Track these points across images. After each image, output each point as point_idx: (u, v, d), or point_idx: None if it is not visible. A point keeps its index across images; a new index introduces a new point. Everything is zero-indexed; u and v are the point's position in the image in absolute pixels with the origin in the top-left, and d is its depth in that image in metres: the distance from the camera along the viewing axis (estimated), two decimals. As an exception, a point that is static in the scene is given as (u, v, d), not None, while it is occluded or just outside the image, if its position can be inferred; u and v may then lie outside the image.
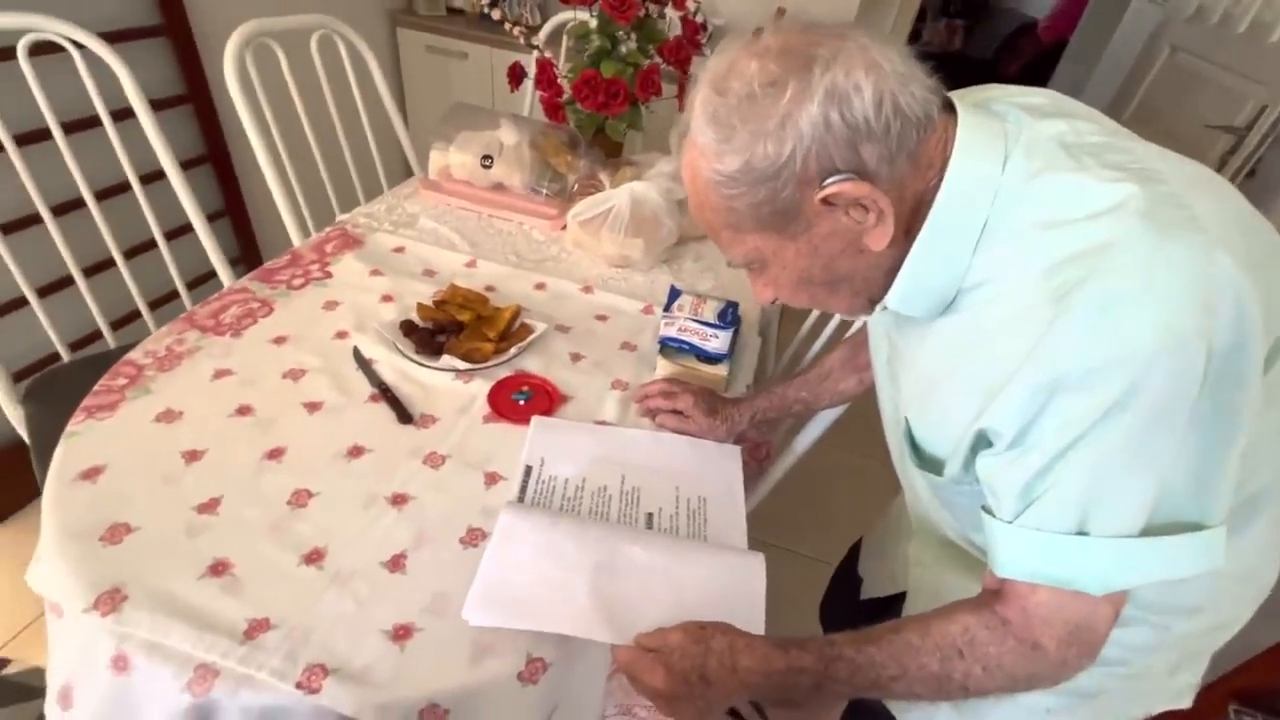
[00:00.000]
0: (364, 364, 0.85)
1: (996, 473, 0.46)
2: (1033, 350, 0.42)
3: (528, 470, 0.75)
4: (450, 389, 0.84)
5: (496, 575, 0.61)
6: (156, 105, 1.16)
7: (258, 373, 0.81)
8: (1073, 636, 0.46)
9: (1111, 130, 0.48)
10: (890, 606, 0.79)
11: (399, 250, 1.12)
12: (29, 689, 1.12)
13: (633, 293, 1.10)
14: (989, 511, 0.48)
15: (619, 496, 0.74)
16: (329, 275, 1.02)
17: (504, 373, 0.88)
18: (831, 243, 0.48)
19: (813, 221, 0.47)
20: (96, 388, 0.75)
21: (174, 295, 1.23)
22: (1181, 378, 0.39)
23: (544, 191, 1.26)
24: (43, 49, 0.97)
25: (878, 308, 0.54)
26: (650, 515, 0.73)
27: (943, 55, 4.38)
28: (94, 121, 1.06)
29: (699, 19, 1.32)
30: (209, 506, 0.65)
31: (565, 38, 1.55)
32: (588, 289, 1.09)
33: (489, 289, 1.03)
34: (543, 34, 1.57)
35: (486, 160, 1.25)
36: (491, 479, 0.74)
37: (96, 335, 1.16)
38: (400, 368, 0.86)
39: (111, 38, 1.04)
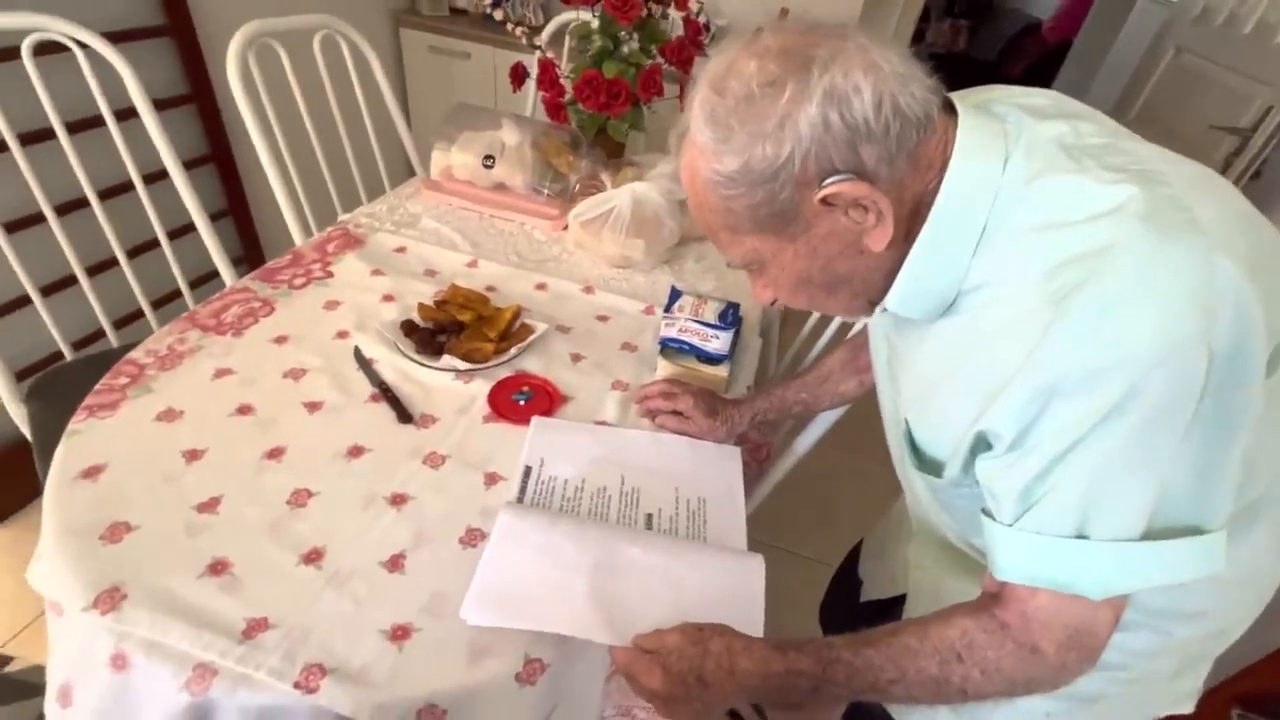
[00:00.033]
0: (364, 364, 0.85)
1: (996, 475, 0.46)
2: (1032, 352, 0.42)
3: (527, 470, 0.75)
4: (450, 389, 0.85)
5: (495, 575, 0.61)
6: (160, 105, 1.16)
7: (258, 372, 0.81)
8: (1072, 641, 0.46)
9: (1113, 131, 0.48)
10: (890, 609, 0.79)
11: (400, 250, 1.12)
12: (31, 686, 1.13)
13: (634, 293, 1.09)
14: (988, 514, 0.48)
15: (618, 497, 0.74)
16: (330, 275, 1.02)
17: (504, 373, 0.88)
18: (830, 244, 0.48)
19: (812, 223, 0.47)
20: (98, 387, 0.75)
21: (176, 294, 1.23)
22: (1182, 381, 0.39)
23: (545, 192, 1.26)
24: (47, 49, 0.98)
25: (877, 309, 0.53)
26: (650, 516, 0.73)
27: (947, 56, 4.37)
28: (98, 121, 1.06)
29: (701, 19, 1.32)
30: (209, 506, 0.65)
31: (568, 38, 1.55)
32: (589, 289, 1.09)
33: (490, 289, 1.03)
34: (545, 34, 1.57)
35: (488, 160, 1.25)
36: (491, 479, 0.74)
37: (99, 334, 1.16)
38: (401, 368, 0.86)
39: (115, 38, 1.05)
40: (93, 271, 1.11)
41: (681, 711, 0.52)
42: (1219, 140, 1.58)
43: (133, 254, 1.15)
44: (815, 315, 1.16)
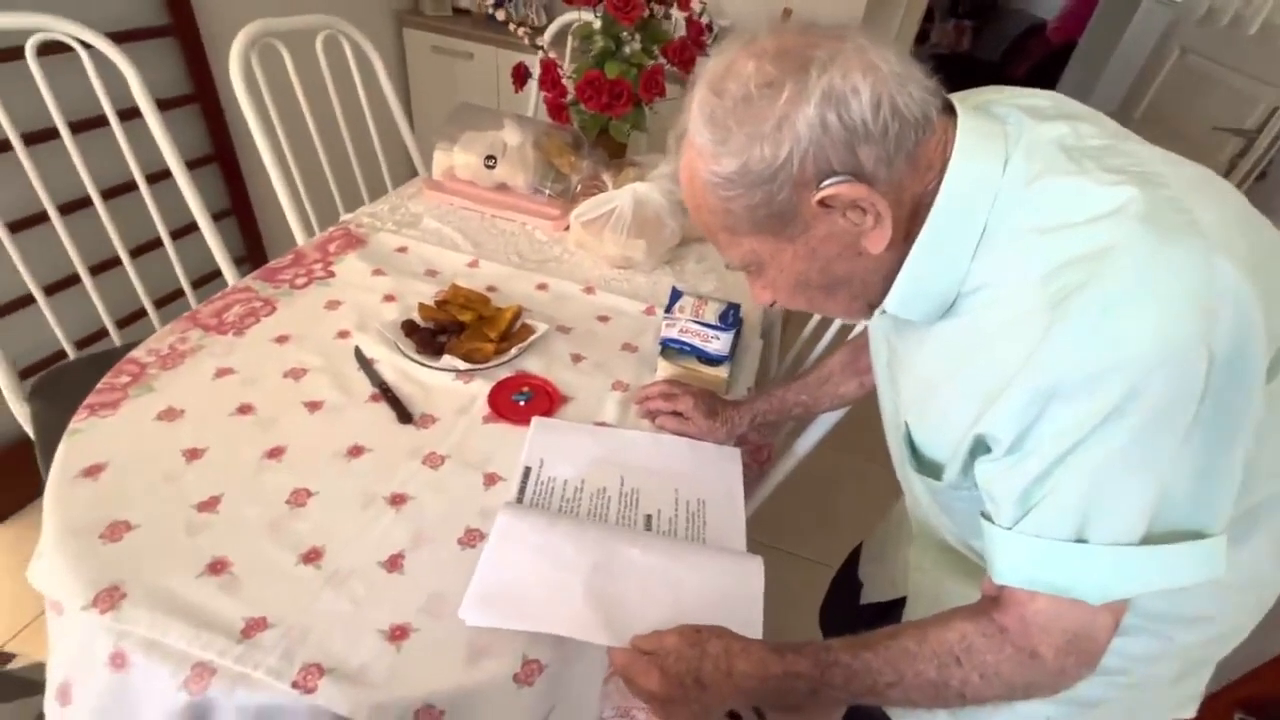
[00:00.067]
0: (365, 364, 0.86)
1: (995, 478, 0.46)
2: (1031, 354, 0.41)
3: (527, 471, 0.75)
4: (451, 389, 0.85)
5: (494, 576, 0.61)
6: (163, 105, 1.16)
7: (259, 372, 0.82)
8: (1071, 645, 0.45)
9: (1114, 133, 0.48)
10: (890, 611, 0.79)
11: (402, 250, 1.12)
12: (32, 684, 1.13)
13: (634, 294, 1.09)
14: (987, 517, 0.48)
15: (618, 498, 0.74)
16: (332, 275, 1.02)
17: (504, 373, 0.88)
18: (829, 245, 0.48)
19: (810, 224, 0.47)
20: (99, 385, 0.76)
21: (179, 294, 1.24)
22: (1182, 384, 0.39)
23: (547, 192, 1.26)
24: (51, 49, 0.98)
25: (876, 312, 0.53)
26: (649, 517, 0.73)
27: (951, 56, 4.36)
28: (101, 121, 1.06)
29: (704, 20, 1.31)
30: (209, 505, 0.65)
31: (570, 38, 1.55)
32: (589, 290, 1.09)
33: (491, 289, 1.03)
34: (548, 35, 1.57)
35: (490, 160, 1.25)
36: (490, 479, 0.74)
37: (102, 333, 1.17)
38: (401, 367, 0.86)
39: (119, 38, 1.06)
40: (96, 271, 1.11)
41: (679, 713, 0.52)
42: (1224, 141, 1.58)
43: (136, 253, 1.16)
44: (816, 317, 1.15)
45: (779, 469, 0.99)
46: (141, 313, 1.18)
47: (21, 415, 1.01)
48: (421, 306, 0.94)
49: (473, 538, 0.67)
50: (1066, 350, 0.40)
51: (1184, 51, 1.88)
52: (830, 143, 0.43)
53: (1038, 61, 3.98)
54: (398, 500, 0.69)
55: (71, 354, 1.10)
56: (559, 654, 0.59)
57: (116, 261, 1.13)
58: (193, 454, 0.70)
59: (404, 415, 0.79)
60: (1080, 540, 0.43)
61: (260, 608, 0.57)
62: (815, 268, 0.50)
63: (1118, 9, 2.76)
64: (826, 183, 0.44)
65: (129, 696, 0.53)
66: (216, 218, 1.27)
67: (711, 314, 0.96)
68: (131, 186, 1.11)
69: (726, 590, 0.64)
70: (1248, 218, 0.45)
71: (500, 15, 1.32)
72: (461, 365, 0.86)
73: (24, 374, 1.05)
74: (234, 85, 1.14)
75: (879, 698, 0.50)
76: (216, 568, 0.60)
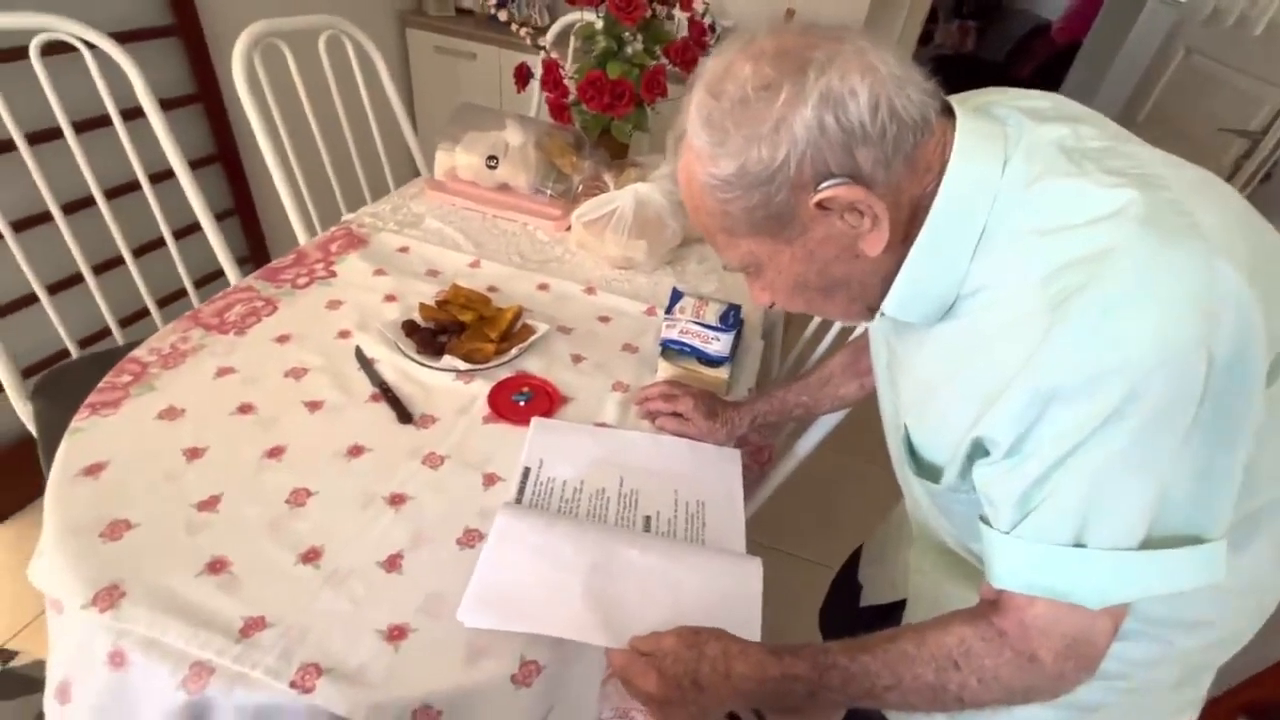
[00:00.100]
0: (365, 363, 0.86)
1: (993, 482, 0.46)
2: (1031, 357, 0.41)
3: (526, 471, 0.75)
4: (451, 389, 0.85)
5: (492, 577, 0.61)
6: (167, 105, 1.17)
7: (260, 371, 0.82)
8: (1070, 650, 0.45)
9: (1114, 135, 0.48)
10: (890, 614, 0.78)
11: (403, 250, 1.12)
12: (35, 681, 1.14)
13: (635, 294, 1.09)
14: (986, 521, 0.48)
15: (617, 499, 0.74)
16: (333, 274, 1.02)
17: (505, 373, 0.88)
18: (827, 248, 0.48)
19: (808, 226, 0.47)
20: (101, 384, 0.76)
21: (182, 293, 1.24)
22: (1181, 387, 0.39)
23: (549, 192, 1.26)
24: (55, 49, 0.98)
25: (876, 315, 0.53)
26: (648, 518, 0.72)
27: (955, 57, 4.35)
28: (105, 121, 1.07)
29: (707, 20, 1.31)
30: (209, 504, 0.65)
31: (572, 39, 1.55)
32: (590, 290, 1.09)
33: (492, 289, 1.03)
34: (550, 35, 1.57)
35: (492, 161, 1.25)
36: (490, 480, 0.74)
37: (105, 332, 1.17)
38: (401, 368, 0.86)
39: (123, 38, 1.06)
40: (99, 270, 1.11)
41: (677, 715, 0.52)
42: (1229, 143, 1.57)
43: (139, 253, 1.16)
44: (817, 318, 1.15)
45: (779, 470, 0.98)
46: (144, 312, 1.18)
47: (24, 414, 1.02)
48: (422, 306, 0.94)
49: (472, 538, 0.67)
50: (1066, 352, 0.40)
51: (1189, 52, 1.87)
52: (828, 145, 0.43)
53: (1042, 62, 3.96)
54: (397, 500, 0.69)
55: (74, 353, 1.10)
56: (557, 655, 0.59)
57: (119, 261, 1.13)
58: (193, 453, 0.70)
59: (404, 415, 0.79)
60: (1079, 544, 0.43)
61: (259, 607, 0.57)
62: (813, 270, 0.50)
63: (1123, 9, 2.75)
64: (824, 185, 0.44)
65: (128, 695, 0.53)
66: (220, 217, 1.27)
67: (712, 315, 0.96)
68: (135, 186, 1.12)
69: (725, 592, 0.64)
70: (1249, 220, 0.45)
71: (502, 16, 1.32)
72: (462, 365, 0.86)
73: (27, 372, 1.05)
74: (236, 85, 1.14)
75: (877, 701, 0.49)
76: (216, 567, 0.60)
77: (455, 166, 1.27)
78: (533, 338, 0.92)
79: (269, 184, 1.25)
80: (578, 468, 0.76)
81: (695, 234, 1.22)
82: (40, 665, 1.17)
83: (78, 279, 1.11)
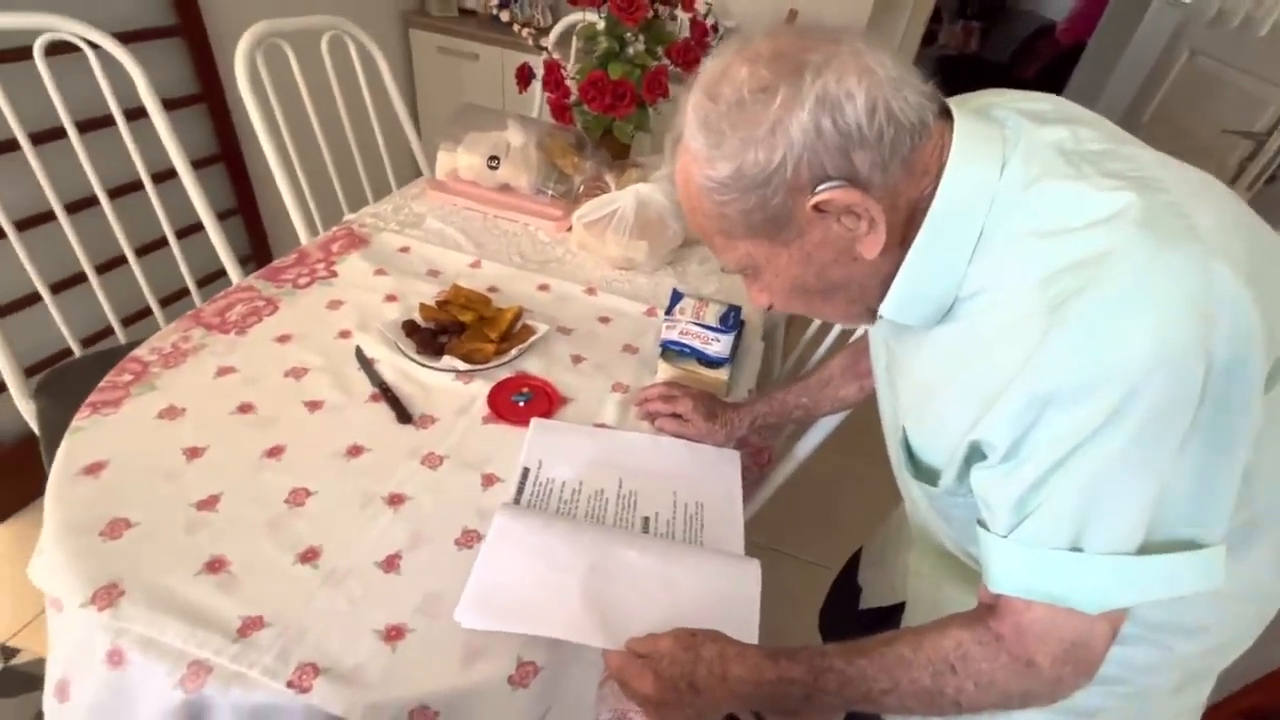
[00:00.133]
0: (366, 363, 0.86)
1: (990, 485, 0.46)
2: (1028, 360, 0.41)
3: (525, 472, 0.75)
4: (450, 389, 0.85)
5: (489, 577, 0.61)
6: (171, 104, 1.17)
7: (261, 371, 0.82)
8: (1068, 654, 0.45)
9: (1114, 137, 0.47)
10: (889, 616, 0.78)
11: (404, 250, 1.12)
12: (37, 679, 1.14)
13: (636, 295, 1.09)
14: (983, 525, 0.48)
15: (616, 500, 0.74)
16: (334, 274, 1.02)
17: (504, 374, 0.88)
18: (824, 250, 0.48)
19: (805, 229, 0.47)
20: (102, 384, 0.76)
21: (184, 293, 1.25)
22: (1179, 390, 0.38)
23: (550, 193, 1.26)
24: (59, 49, 0.99)
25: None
26: (647, 520, 0.72)
27: (959, 58, 4.33)
28: (108, 120, 1.07)
29: (710, 21, 1.31)
30: (208, 503, 0.65)
31: (575, 39, 1.55)
32: (591, 291, 1.09)
33: (492, 290, 1.04)
34: (553, 35, 1.58)
35: (493, 161, 1.25)
36: (489, 480, 0.74)
37: (108, 331, 1.17)
38: (401, 368, 0.86)
39: (126, 38, 1.06)
40: (102, 269, 1.12)
41: (673, 717, 0.52)
42: (1234, 144, 1.56)
43: (141, 252, 1.17)
44: (818, 320, 1.15)
45: (779, 471, 0.98)
46: (147, 311, 1.19)
47: (27, 412, 1.02)
48: (422, 307, 0.94)
49: (470, 538, 0.67)
50: (1063, 356, 0.40)
51: (1194, 53, 1.86)
52: (824, 148, 0.43)
53: (1047, 63, 3.95)
54: (396, 500, 0.69)
55: (77, 351, 1.11)
56: (555, 656, 0.59)
57: (122, 260, 1.14)
58: (193, 452, 0.70)
59: (403, 415, 0.79)
60: (1076, 549, 0.43)
61: (257, 607, 0.57)
62: (811, 272, 0.50)
63: (1127, 10, 2.74)
64: (820, 188, 0.44)
65: (126, 694, 0.54)
66: (223, 217, 1.28)
67: (712, 316, 0.96)
68: (138, 186, 1.12)
69: (723, 593, 0.64)
70: (1248, 223, 0.44)
71: (504, 16, 1.33)
72: (461, 366, 0.86)
73: (30, 371, 1.06)
74: (239, 85, 1.15)
75: (874, 704, 0.49)
76: (214, 566, 0.60)
77: (457, 167, 1.28)
78: (533, 338, 0.92)
79: (272, 184, 1.25)
80: (576, 469, 0.76)
81: (696, 235, 1.22)
82: (42, 663, 1.17)
83: (81, 278, 1.11)
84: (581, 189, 1.25)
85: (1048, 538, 0.43)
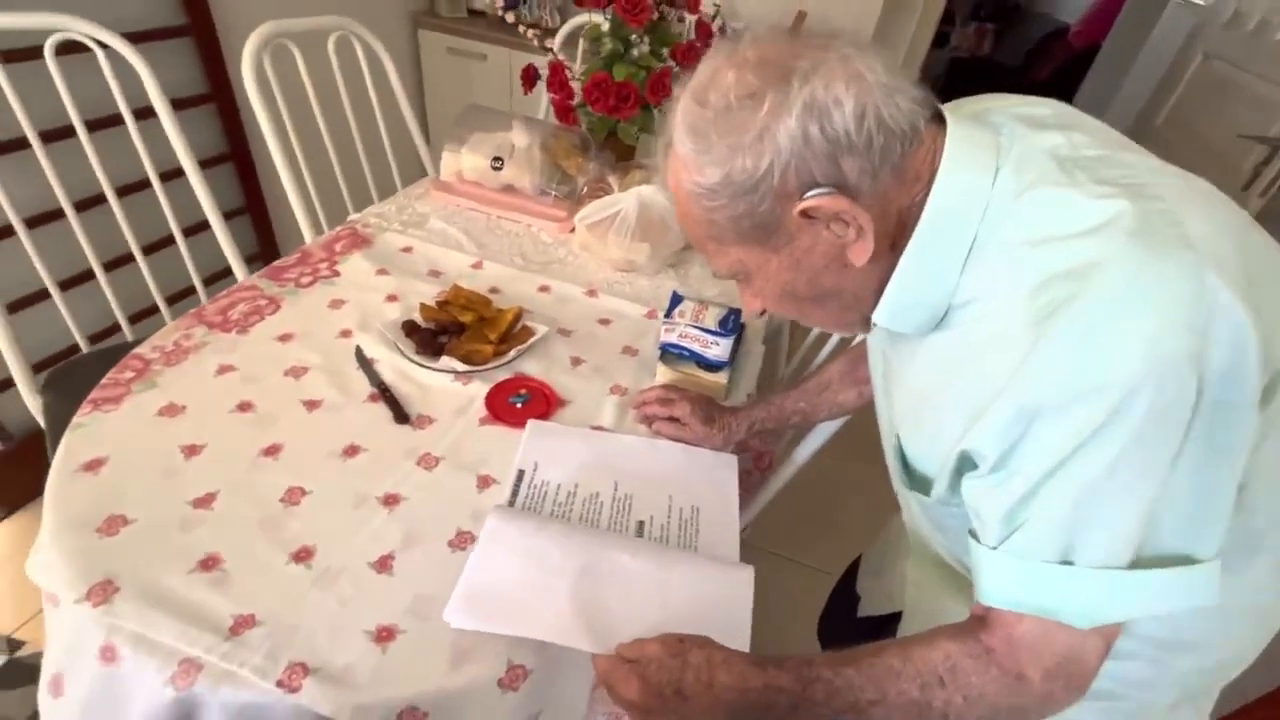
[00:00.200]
0: (365, 363, 0.86)
1: (981, 496, 0.45)
2: (1017, 370, 0.40)
3: (520, 474, 0.75)
4: (449, 390, 0.85)
5: (480, 579, 0.61)
6: (180, 104, 1.18)
7: (261, 370, 0.82)
8: (1059, 669, 0.44)
9: (1111, 143, 0.47)
10: (887, 625, 0.78)
11: (407, 250, 1.13)
12: (40, 671, 1.15)
13: (636, 297, 1.09)
14: (974, 536, 0.47)
15: (610, 503, 0.74)
16: (337, 274, 1.03)
17: (503, 375, 0.88)
18: (814, 257, 0.48)
19: (794, 235, 0.47)
20: (104, 381, 0.77)
21: (191, 291, 1.26)
22: (1170, 402, 0.38)
23: (553, 194, 1.26)
24: (69, 48, 1.00)
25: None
26: (641, 523, 0.72)
27: (971, 60, 4.30)
28: (117, 120, 1.08)
29: (718, 22, 1.31)
30: (204, 501, 0.66)
31: (581, 40, 1.55)
32: (592, 292, 1.08)
33: (493, 290, 1.04)
34: (559, 36, 1.58)
35: (497, 162, 1.25)
36: (484, 482, 0.74)
37: (115, 328, 1.19)
38: (400, 368, 0.86)
39: (136, 38, 1.08)
40: (110, 267, 1.13)
41: (658, 724, 0.51)
42: (1248, 149, 1.53)
43: (149, 250, 1.18)
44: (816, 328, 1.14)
45: (779, 476, 0.98)
46: (154, 309, 1.20)
47: (34, 407, 1.03)
48: (423, 307, 0.94)
49: (464, 540, 0.67)
50: (1051, 367, 0.39)
51: (1208, 57, 1.83)
52: (812, 155, 0.42)
53: (1060, 65, 3.90)
54: (390, 501, 0.69)
55: (84, 348, 1.12)
56: (545, 660, 0.58)
57: (130, 258, 1.15)
58: (191, 450, 0.71)
59: (401, 415, 0.79)
60: (1066, 562, 0.42)
61: (249, 605, 0.57)
62: (802, 279, 0.49)
63: (1142, 13, 2.70)
64: (808, 195, 0.44)
65: (117, 690, 0.54)
66: (230, 216, 1.29)
67: (711, 319, 0.95)
68: (146, 184, 1.13)
69: (716, 599, 0.63)
70: (1245, 232, 0.44)
71: (510, 17, 1.33)
72: (460, 366, 0.86)
73: (38, 367, 1.07)
74: (246, 86, 1.16)
75: (861, 715, 0.49)
76: (208, 564, 0.60)
77: (461, 167, 1.28)
78: (532, 339, 0.92)
79: (280, 183, 1.26)
80: (572, 471, 0.76)
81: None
82: (46, 655, 1.19)
83: (89, 275, 1.12)
84: (585, 190, 1.25)
85: (1038, 550, 0.43)
